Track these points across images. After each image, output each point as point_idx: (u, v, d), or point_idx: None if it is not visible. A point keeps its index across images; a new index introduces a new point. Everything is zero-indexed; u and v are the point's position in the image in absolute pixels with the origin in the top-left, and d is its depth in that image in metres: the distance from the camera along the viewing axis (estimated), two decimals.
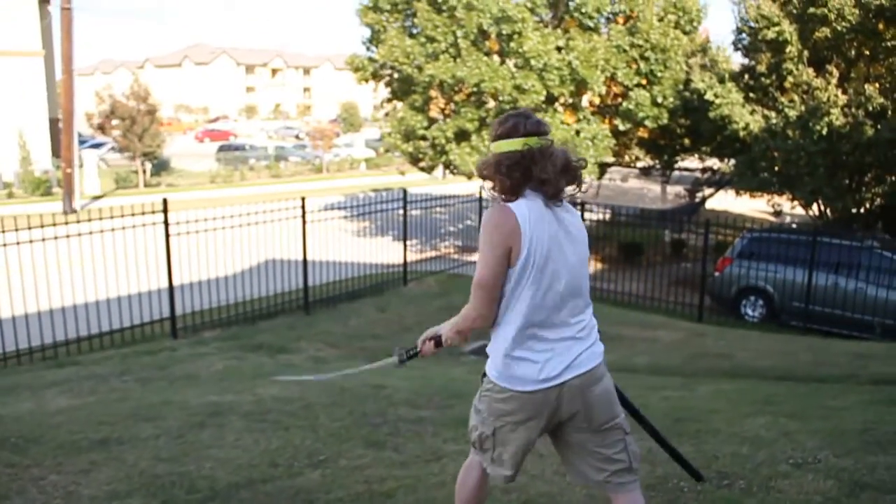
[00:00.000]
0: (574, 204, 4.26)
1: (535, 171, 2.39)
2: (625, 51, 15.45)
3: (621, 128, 16.52)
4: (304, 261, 11.47)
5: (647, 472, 3.55)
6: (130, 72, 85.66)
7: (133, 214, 9.46)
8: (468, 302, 2.50)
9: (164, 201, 9.81)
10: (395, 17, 15.46)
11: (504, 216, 2.38)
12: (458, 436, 4.48)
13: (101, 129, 27.57)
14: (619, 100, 16.76)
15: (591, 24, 15.36)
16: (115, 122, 26.90)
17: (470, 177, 15.53)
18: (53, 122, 28.42)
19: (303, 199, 11.43)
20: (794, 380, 7.36)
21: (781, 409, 5.18)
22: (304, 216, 11.27)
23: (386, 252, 14.02)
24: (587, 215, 14.38)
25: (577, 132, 15.38)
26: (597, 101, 17.31)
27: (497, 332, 2.50)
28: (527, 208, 2.39)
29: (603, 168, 18.43)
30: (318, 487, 3.69)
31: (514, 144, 2.42)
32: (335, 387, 6.40)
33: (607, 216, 15.32)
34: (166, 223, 9.70)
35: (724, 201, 23.23)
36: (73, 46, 19.95)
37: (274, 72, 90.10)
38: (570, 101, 15.90)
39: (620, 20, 16.42)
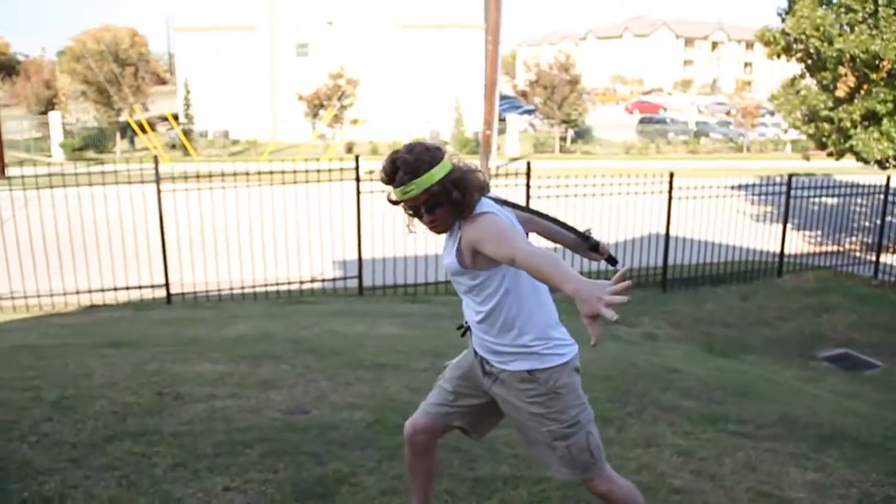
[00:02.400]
0: None
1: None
2: None
3: None
4: (666, 238, 11.27)
5: None
6: (574, 43, 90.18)
7: (504, 175, 10.25)
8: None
9: (528, 165, 10.45)
10: None
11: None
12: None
13: (524, 96, 29.59)
14: None
15: None
16: (538, 90, 28.69)
17: (883, 166, 13.62)
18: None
19: (671, 174, 11.22)
20: None
21: None
22: (670, 192, 11.08)
23: (772, 240, 13.03)
24: None
25: None
26: None
27: (532, 320, 2.49)
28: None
29: None
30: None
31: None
32: (626, 361, 6.38)
33: None
34: (528, 186, 10.31)
35: None
36: (500, 19, 21.65)
37: (714, 45, 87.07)
38: None
39: None
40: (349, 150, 28.20)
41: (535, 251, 2.13)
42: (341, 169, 9.96)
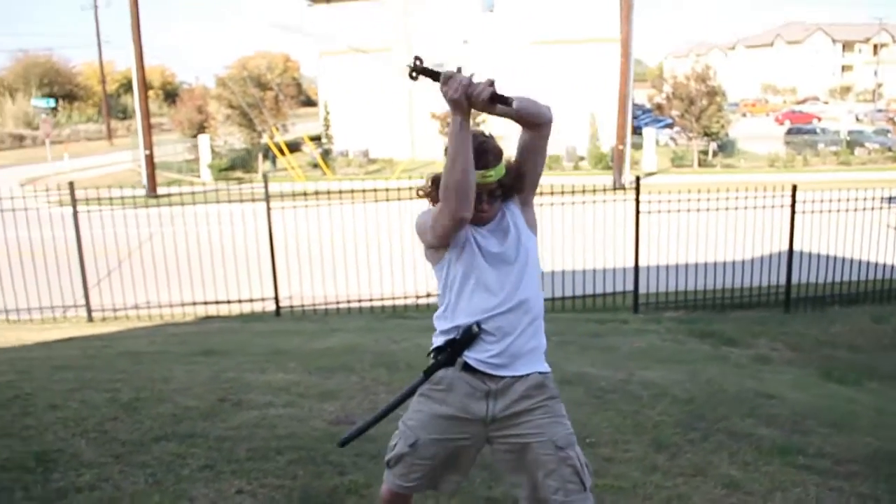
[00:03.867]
0: None
1: None
2: None
3: None
4: (790, 254, 10.64)
5: None
6: (723, 53, 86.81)
7: (604, 190, 10.04)
8: None
9: (637, 179, 10.17)
10: None
11: None
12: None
13: (659, 108, 28.80)
14: None
15: None
16: (674, 102, 27.87)
17: None
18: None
19: (794, 187, 10.59)
20: None
21: None
22: (793, 206, 10.46)
23: None
24: None
25: None
26: None
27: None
28: None
29: None
30: None
31: None
32: (716, 384, 6.05)
33: None
34: (637, 201, 10.02)
35: None
36: (631, 31, 21.31)
37: (876, 48, 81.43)
38: None
39: None
40: None
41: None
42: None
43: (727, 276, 10.69)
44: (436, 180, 2.37)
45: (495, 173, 2.35)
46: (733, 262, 10.99)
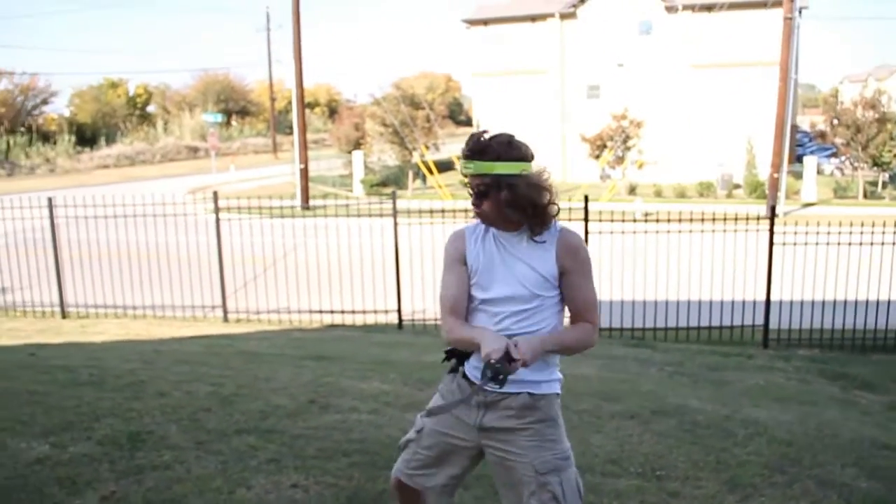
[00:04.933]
0: None
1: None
2: None
3: None
4: None
5: None
6: None
7: (748, 219, 9.68)
8: (589, 327, 2.47)
9: (772, 209, 9.74)
10: None
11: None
12: None
13: (822, 136, 27.21)
14: None
15: None
16: (839, 130, 26.27)
17: None
18: (791, 129, 29.26)
19: None
20: None
21: None
22: None
23: None
24: None
25: None
26: None
27: None
28: None
29: None
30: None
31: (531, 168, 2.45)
32: (829, 428, 5.70)
33: None
34: (771, 232, 9.59)
35: None
36: (791, 55, 20.35)
37: None
38: None
39: None
40: (632, 191, 27.93)
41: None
42: (570, 209, 10.05)
43: (872, 316, 10.00)
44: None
45: (474, 168, 2.37)
46: (887, 302, 10.26)
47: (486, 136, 2.41)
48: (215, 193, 9.93)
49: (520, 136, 2.45)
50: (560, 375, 2.53)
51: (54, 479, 3.36)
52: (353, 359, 7.01)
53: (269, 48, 50.72)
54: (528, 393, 2.41)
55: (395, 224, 9.94)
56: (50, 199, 9.92)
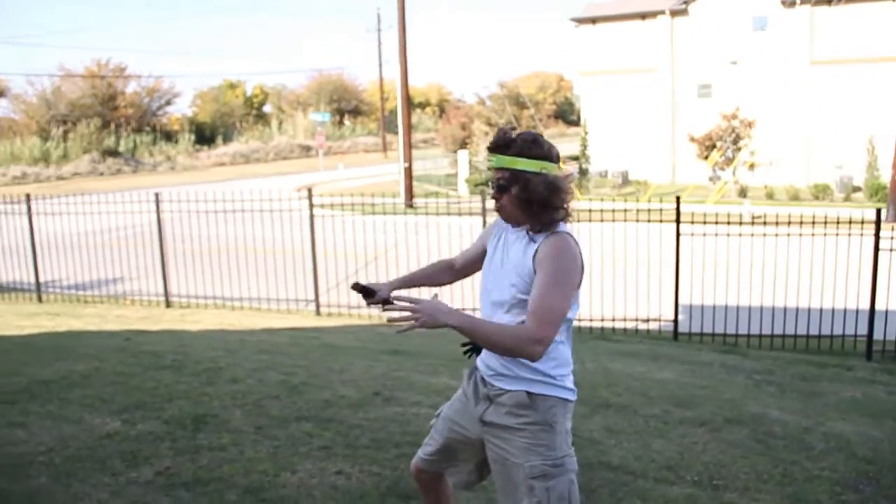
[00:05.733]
0: None
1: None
2: None
3: None
4: None
5: None
6: None
7: (859, 223, 9.25)
8: (527, 332, 2.26)
9: (878, 212, 9.23)
10: None
11: (577, 247, 2.45)
12: None
13: None
14: None
15: None
16: None
17: None
18: None
19: None
20: None
21: None
22: None
23: None
24: None
25: None
26: None
27: (559, 349, 2.46)
28: None
29: None
30: None
31: (556, 169, 2.43)
32: None
33: None
34: (877, 237, 9.09)
35: None
36: None
37: None
38: None
39: None
40: (742, 194, 26.96)
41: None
42: (661, 210, 9.86)
43: None
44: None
45: (496, 161, 2.42)
46: None
47: (508, 130, 2.45)
48: (310, 190, 10.25)
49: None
50: (569, 384, 2.47)
51: (118, 452, 3.59)
52: (429, 354, 7.10)
53: (379, 48, 51.47)
54: (526, 391, 2.40)
55: (484, 222, 9.99)
56: (157, 195, 10.50)
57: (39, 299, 10.59)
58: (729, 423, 5.39)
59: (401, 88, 23.68)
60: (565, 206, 2.41)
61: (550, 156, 2.42)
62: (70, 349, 6.01)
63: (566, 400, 2.46)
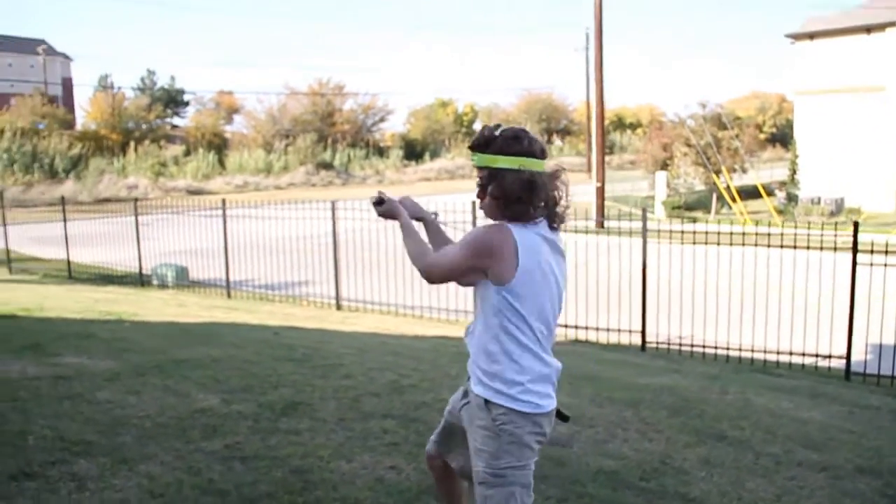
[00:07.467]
0: None
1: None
2: None
3: None
4: None
5: None
6: None
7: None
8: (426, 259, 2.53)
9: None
10: None
11: (505, 236, 2.36)
12: None
13: None
14: None
15: None
16: None
17: None
18: None
19: None
20: None
21: None
22: None
23: None
24: None
25: None
26: None
27: (521, 358, 2.44)
28: (524, 234, 2.39)
29: None
30: None
31: (540, 166, 2.42)
32: None
33: None
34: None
35: None
36: None
37: None
38: None
39: None
40: None
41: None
42: (835, 236, 9.10)
43: None
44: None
45: (477, 159, 2.43)
46: None
47: (491, 128, 2.45)
48: (473, 204, 10.47)
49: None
50: (529, 397, 2.38)
51: (202, 425, 3.99)
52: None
53: (587, 67, 51.06)
54: (484, 399, 2.42)
55: (645, 243, 9.75)
56: (333, 203, 11.23)
57: (228, 295, 11.70)
58: (860, 472, 4.93)
59: (595, 107, 23.55)
60: (544, 203, 2.40)
61: (532, 152, 2.40)
62: (219, 337, 6.66)
63: (521, 411, 2.38)
